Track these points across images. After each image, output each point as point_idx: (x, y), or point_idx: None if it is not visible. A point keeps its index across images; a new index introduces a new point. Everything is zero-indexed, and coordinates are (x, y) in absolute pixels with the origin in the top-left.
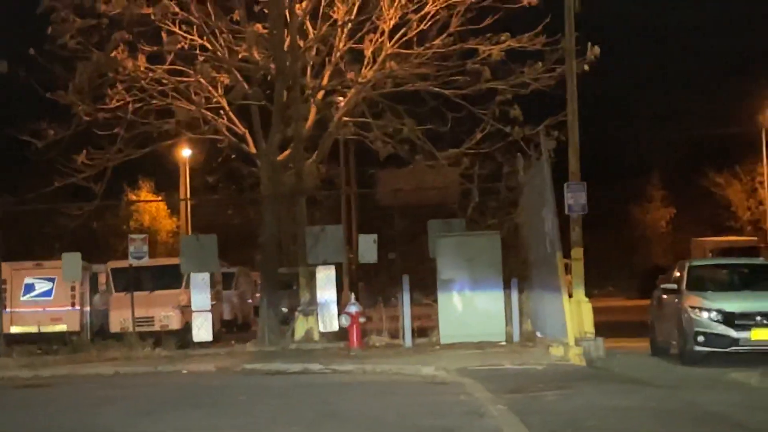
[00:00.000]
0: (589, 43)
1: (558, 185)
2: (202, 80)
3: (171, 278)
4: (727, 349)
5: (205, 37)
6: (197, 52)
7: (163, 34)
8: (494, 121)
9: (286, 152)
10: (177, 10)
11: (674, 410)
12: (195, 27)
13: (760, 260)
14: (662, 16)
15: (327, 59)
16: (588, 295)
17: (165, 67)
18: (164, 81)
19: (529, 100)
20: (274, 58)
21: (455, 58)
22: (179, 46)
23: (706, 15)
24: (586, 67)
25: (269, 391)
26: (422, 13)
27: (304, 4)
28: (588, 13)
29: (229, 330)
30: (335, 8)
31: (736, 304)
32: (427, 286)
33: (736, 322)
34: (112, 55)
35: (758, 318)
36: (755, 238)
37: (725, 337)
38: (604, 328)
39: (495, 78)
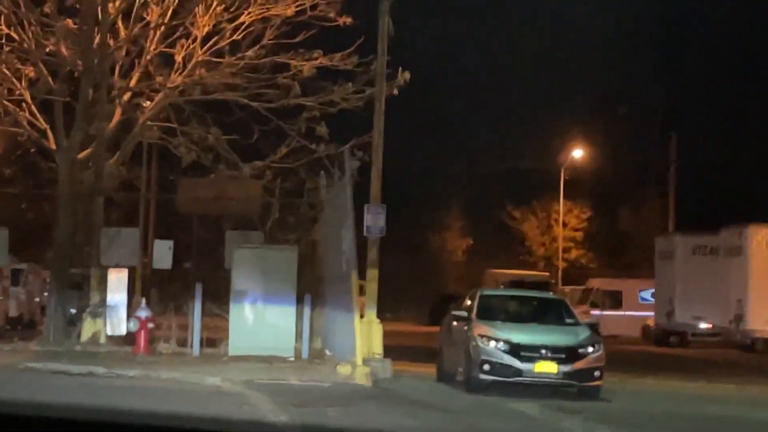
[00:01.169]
0: (401, 68)
1: (359, 206)
2: (5, 71)
3: None
4: (511, 379)
5: (12, 28)
6: (3, 42)
7: None
8: (300, 137)
9: (88, 151)
10: None
11: None
12: (2, 16)
13: (549, 294)
14: (475, 50)
15: (137, 61)
16: (380, 317)
17: None
18: None
19: (337, 119)
20: (83, 55)
21: (266, 71)
22: None
23: (517, 54)
24: (396, 91)
25: (50, 390)
26: (236, 23)
27: (117, 3)
28: (402, 38)
29: (13, 327)
30: (149, 10)
31: (523, 335)
32: (220, 297)
33: (522, 353)
34: None
35: (543, 351)
36: (547, 274)
37: (510, 367)
38: (393, 351)
39: (305, 94)
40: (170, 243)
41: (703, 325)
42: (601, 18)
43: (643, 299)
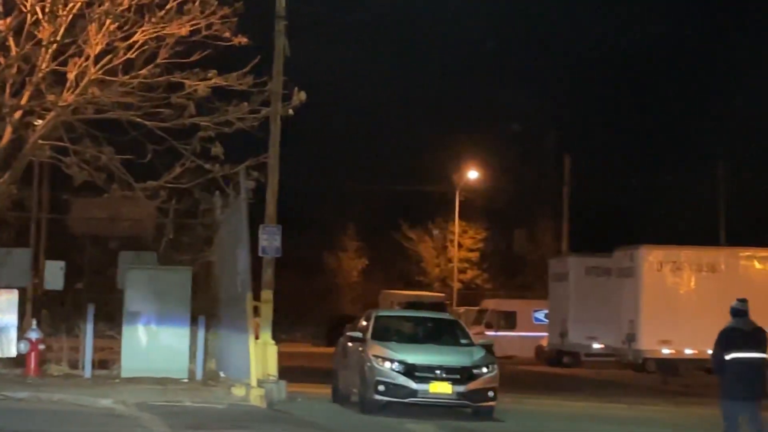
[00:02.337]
0: (296, 88)
1: (255, 227)
2: None
3: None
4: (406, 400)
5: None
6: None
7: None
8: (195, 156)
9: None
10: None
11: None
12: None
13: (444, 315)
14: (373, 71)
15: (28, 79)
16: (275, 338)
17: None
18: None
19: (232, 139)
20: None
21: (161, 90)
22: None
23: (413, 75)
24: (291, 112)
25: None
26: (130, 41)
27: (8, 20)
28: (299, 58)
29: None
30: (41, 27)
31: (418, 356)
32: (113, 318)
33: (417, 374)
34: None
35: (438, 372)
36: (442, 294)
37: (405, 387)
38: (288, 372)
39: (200, 114)
40: (62, 263)
41: (596, 346)
42: (494, 40)
43: (537, 320)
